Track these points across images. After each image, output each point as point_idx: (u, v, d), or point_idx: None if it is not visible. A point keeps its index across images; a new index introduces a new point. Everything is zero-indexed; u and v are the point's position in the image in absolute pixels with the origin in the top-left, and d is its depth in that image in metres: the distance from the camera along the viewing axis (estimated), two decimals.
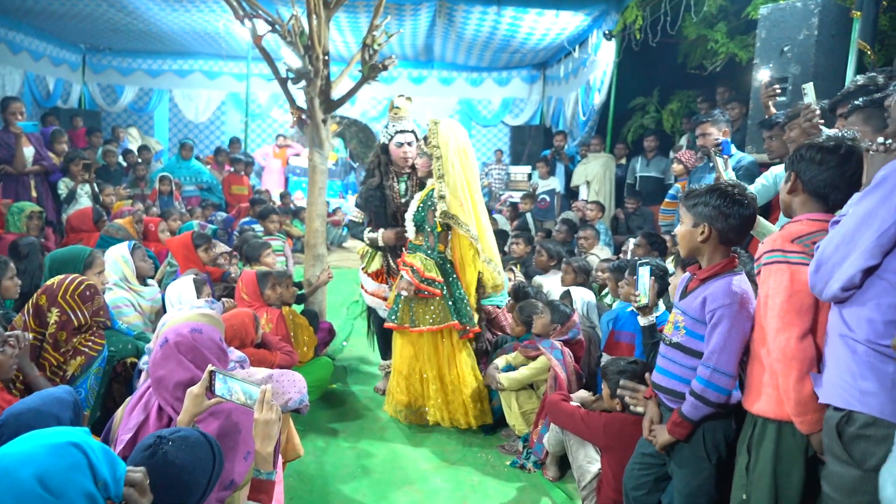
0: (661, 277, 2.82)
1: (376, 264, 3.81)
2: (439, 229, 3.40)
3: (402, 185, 3.77)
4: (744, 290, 1.94)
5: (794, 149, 1.95)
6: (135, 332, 2.82)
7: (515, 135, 12.22)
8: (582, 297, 3.95)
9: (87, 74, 12.02)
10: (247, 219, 6.57)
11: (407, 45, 10.53)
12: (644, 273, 2.50)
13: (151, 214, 6.03)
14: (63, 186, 5.41)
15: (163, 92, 12.22)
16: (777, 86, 3.81)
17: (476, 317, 3.53)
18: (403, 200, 3.70)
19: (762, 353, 1.83)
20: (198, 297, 3.30)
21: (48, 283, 2.38)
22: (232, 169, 8.58)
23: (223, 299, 3.60)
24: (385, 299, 3.74)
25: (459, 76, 12.08)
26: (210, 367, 1.74)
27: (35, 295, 2.34)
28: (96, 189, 5.61)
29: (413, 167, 3.73)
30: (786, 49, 4.18)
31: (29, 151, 5.09)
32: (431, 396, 3.47)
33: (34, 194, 5.10)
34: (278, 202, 9.00)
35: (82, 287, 2.36)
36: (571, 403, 2.74)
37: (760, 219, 2.49)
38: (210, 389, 1.74)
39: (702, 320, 1.98)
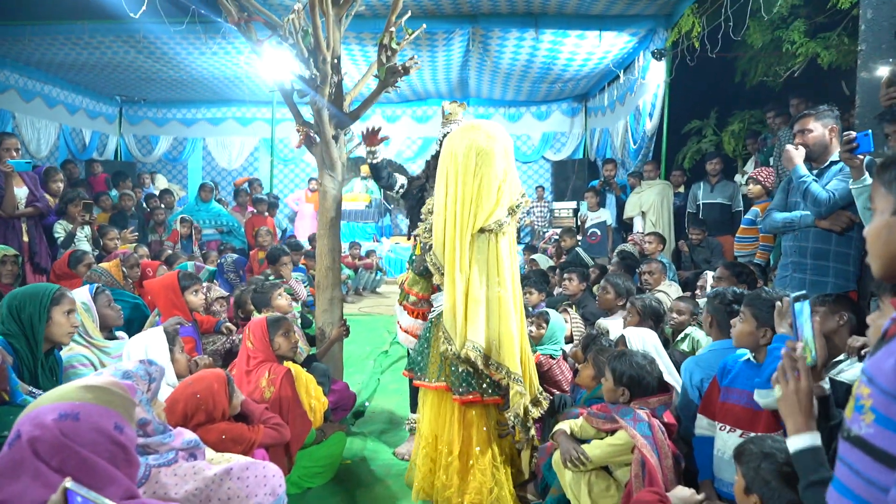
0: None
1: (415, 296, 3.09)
2: (418, 252, 2.91)
3: None
4: None
5: None
6: None
7: (557, 170, 11.59)
8: (644, 339, 3.07)
9: (123, 126, 12.11)
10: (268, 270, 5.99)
11: (441, 81, 10.13)
12: (801, 311, 1.53)
13: (168, 257, 5.48)
14: (60, 229, 4.91)
15: (196, 140, 12.20)
16: None
17: (480, 379, 2.70)
18: None
19: None
20: (171, 352, 2.61)
21: None
22: (255, 210, 8.10)
23: (197, 357, 2.90)
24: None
25: (496, 112, 11.63)
26: (66, 483, 1.01)
27: None
28: (97, 233, 5.10)
29: None
30: None
31: (21, 192, 4.61)
32: (420, 467, 2.77)
33: (25, 239, 4.60)
34: (307, 245, 8.46)
35: None
36: None
37: None
38: None
39: None
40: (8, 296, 2.53)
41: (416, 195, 3.39)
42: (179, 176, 12.27)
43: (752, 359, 2.29)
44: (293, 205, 10.84)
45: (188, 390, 2.22)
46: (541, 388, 2.83)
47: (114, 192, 7.59)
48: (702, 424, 2.43)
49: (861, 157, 2.79)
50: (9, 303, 2.46)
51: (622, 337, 3.08)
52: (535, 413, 2.66)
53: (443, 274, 2.68)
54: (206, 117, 12.10)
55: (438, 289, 2.91)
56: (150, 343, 2.55)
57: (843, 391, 2.28)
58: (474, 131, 2.67)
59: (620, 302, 3.79)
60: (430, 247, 2.75)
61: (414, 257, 2.95)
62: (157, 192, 8.54)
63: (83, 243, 4.95)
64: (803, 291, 1.60)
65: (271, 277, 4.82)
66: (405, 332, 3.16)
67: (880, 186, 1.20)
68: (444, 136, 3.23)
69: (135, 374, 1.65)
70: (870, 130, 2.73)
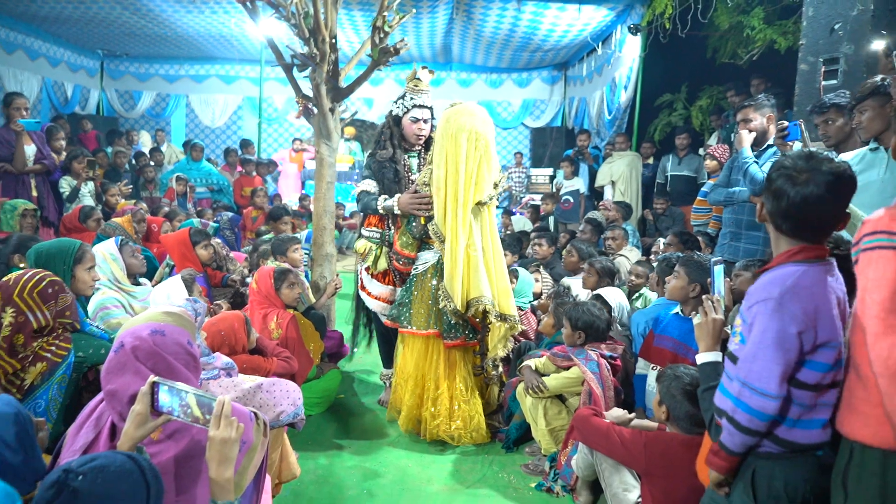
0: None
1: (383, 264, 3.48)
2: (423, 221, 3.20)
3: (414, 161, 3.55)
4: (797, 284, 1.52)
5: None
6: (110, 335, 2.54)
7: (536, 137, 11.91)
8: (617, 300, 3.57)
9: (105, 80, 12.04)
10: (263, 227, 6.33)
11: (425, 46, 10.30)
12: (719, 272, 2.01)
13: (167, 213, 5.80)
14: (65, 185, 5.20)
15: (179, 97, 12.19)
16: None
17: (464, 327, 3.19)
18: (415, 177, 3.43)
19: (859, 363, 1.46)
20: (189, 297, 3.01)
21: (4, 279, 2.09)
22: (243, 170, 8.38)
23: (217, 302, 3.31)
24: (392, 303, 3.45)
25: (478, 77, 11.83)
26: (152, 378, 1.43)
27: None
28: (100, 189, 5.40)
29: (425, 144, 3.50)
30: (836, 27, 3.81)
31: (30, 150, 4.88)
32: (407, 402, 3.22)
33: (35, 194, 4.89)
34: (296, 206, 8.78)
35: (43, 284, 2.07)
36: (603, 420, 2.37)
37: (853, 208, 2.09)
38: (153, 406, 1.43)
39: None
40: (32, 253, 2.66)
41: (391, 167, 3.42)
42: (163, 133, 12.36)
43: (680, 312, 2.78)
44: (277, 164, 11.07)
45: (213, 328, 2.65)
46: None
47: (108, 149, 7.78)
48: (640, 365, 2.95)
49: (791, 143, 3.26)
50: (35, 261, 2.60)
51: (598, 296, 3.56)
52: (501, 353, 3.16)
53: (443, 241, 3.08)
54: (189, 74, 12.05)
55: (421, 248, 3.34)
56: (172, 290, 2.95)
57: None
58: (471, 116, 3.05)
59: (583, 264, 4.27)
60: (431, 217, 3.13)
61: (414, 223, 3.24)
62: (146, 150, 8.73)
63: (87, 198, 5.25)
64: (720, 257, 2.10)
65: (270, 234, 5.20)
66: (376, 298, 3.51)
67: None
68: (415, 106, 3.35)
69: (184, 309, 2.07)
70: (798, 121, 3.19)
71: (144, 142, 10.51)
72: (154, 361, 1.55)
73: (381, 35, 3.65)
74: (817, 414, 1.55)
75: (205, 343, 2.20)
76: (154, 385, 1.45)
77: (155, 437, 1.52)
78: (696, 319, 1.92)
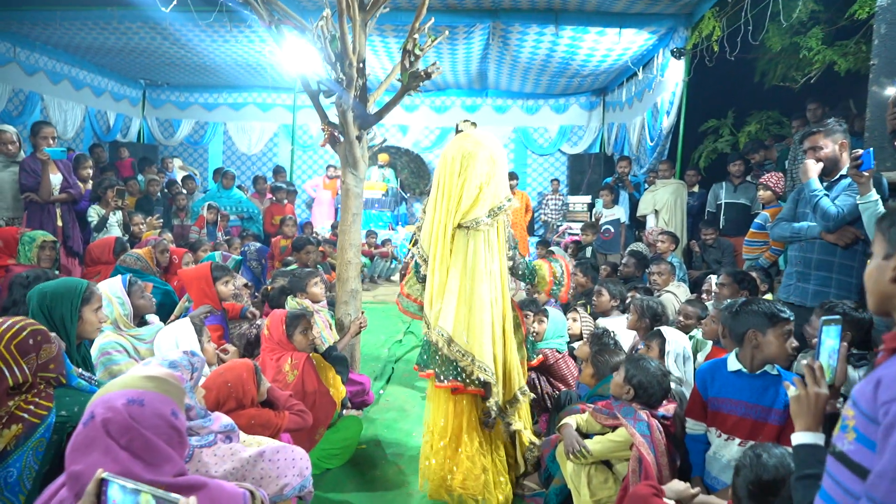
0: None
1: None
2: (411, 246, 3.06)
3: None
4: None
5: None
6: None
7: (573, 164, 11.62)
8: (677, 344, 3.11)
9: (146, 109, 12.30)
10: (291, 257, 6.16)
11: (460, 73, 10.20)
12: (828, 331, 1.56)
13: (193, 243, 5.67)
14: (94, 214, 5.12)
15: (217, 125, 12.37)
16: None
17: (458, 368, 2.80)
18: None
19: None
20: (199, 342, 2.79)
21: None
22: (273, 198, 8.28)
23: (226, 345, 3.07)
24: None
25: (514, 104, 11.67)
26: (100, 473, 1.18)
27: None
28: (127, 218, 5.30)
29: None
30: None
31: (56, 179, 4.82)
32: (421, 451, 2.92)
33: (60, 223, 4.81)
34: (328, 233, 8.64)
35: (24, 334, 1.84)
36: (665, 501, 2.02)
37: None
38: None
39: (876, 418, 1.18)
40: (36, 294, 2.45)
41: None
42: (200, 160, 12.51)
43: (742, 369, 2.40)
44: (311, 191, 11.02)
45: (220, 379, 2.40)
46: (523, 387, 2.93)
47: (140, 177, 7.79)
48: (689, 424, 2.57)
49: (867, 173, 2.89)
50: (39, 302, 2.41)
51: (658, 332, 3.14)
52: (512, 411, 2.81)
53: (426, 262, 2.88)
54: (227, 102, 12.26)
55: None
56: (180, 335, 2.72)
57: None
58: (464, 139, 2.85)
59: (615, 303, 3.94)
60: (417, 241, 2.95)
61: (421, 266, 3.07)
62: (178, 178, 8.73)
63: (114, 228, 5.16)
64: (837, 316, 1.64)
65: (294, 265, 4.99)
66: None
67: (878, 232, 1.32)
68: None
69: (180, 363, 1.82)
70: (871, 149, 2.82)
71: (177, 167, 10.58)
72: (129, 437, 1.30)
73: (412, 59, 3.44)
74: None
75: (201, 402, 1.95)
76: (102, 482, 1.20)
77: None
78: (792, 392, 1.56)
